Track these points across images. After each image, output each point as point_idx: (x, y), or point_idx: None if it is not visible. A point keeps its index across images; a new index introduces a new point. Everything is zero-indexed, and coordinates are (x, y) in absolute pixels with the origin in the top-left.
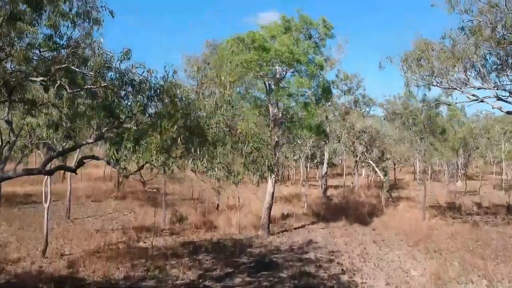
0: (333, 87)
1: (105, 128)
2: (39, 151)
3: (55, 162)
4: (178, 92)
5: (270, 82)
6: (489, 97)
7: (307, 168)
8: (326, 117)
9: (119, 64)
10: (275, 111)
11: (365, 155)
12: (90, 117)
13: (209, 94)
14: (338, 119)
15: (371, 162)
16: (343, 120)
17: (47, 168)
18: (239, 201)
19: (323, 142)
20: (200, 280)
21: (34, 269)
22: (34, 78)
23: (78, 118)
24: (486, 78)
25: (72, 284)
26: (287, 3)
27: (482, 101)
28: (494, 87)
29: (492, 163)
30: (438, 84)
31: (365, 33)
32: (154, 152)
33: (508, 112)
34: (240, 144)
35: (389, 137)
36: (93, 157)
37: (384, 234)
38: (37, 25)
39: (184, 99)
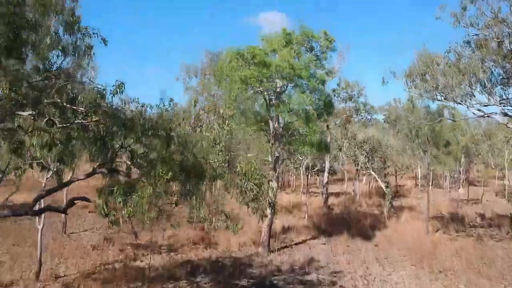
0: (334, 95)
1: (98, 163)
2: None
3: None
4: (174, 125)
5: (270, 96)
6: (496, 113)
7: (307, 176)
8: (327, 126)
9: (112, 98)
10: (276, 125)
11: (367, 165)
12: (82, 148)
13: (206, 127)
14: (339, 125)
15: (373, 173)
16: (344, 129)
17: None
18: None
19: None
20: None
21: None
22: (21, 112)
23: (71, 146)
24: (492, 93)
25: None
26: (288, 4)
27: (488, 116)
28: (500, 103)
29: (493, 166)
30: (443, 98)
31: (367, 37)
32: (146, 207)
33: None
34: (239, 181)
35: (391, 148)
36: (84, 199)
37: (387, 251)
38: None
39: (179, 136)
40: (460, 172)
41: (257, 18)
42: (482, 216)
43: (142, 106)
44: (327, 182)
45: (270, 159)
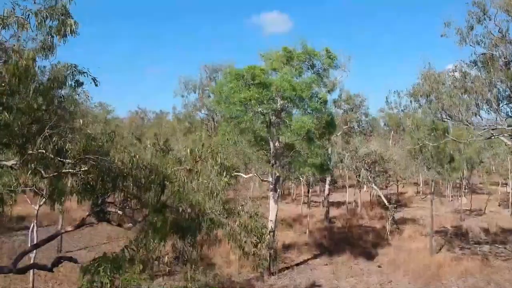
0: (335, 107)
1: (87, 214)
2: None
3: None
4: (169, 171)
5: (270, 117)
6: (503, 135)
7: (308, 186)
8: (328, 139)
9: (104, 142)
10: (276, 144)
11: (369, 179)
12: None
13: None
14: (341, 136)
15: (375, 187)
16: (346, 142)
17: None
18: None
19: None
20: None
21: None
22: (4, 162)
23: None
24: (500, 113)
25: None
26: (289, 4)
27: (495, 137)
28: (508, 126)
29: (494, 170)
30: (448, 119)
31: (367, 38)
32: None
33: None
34: (239, 235)
35: (394, 162)
36: (71, 259)
37: (391, 274)
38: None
39: (175, 186)
40: (462, 180)
41: (259, 18)
42: (487, 231)
43: (134, 157)
44: (328, 194)
45: (270, 180)
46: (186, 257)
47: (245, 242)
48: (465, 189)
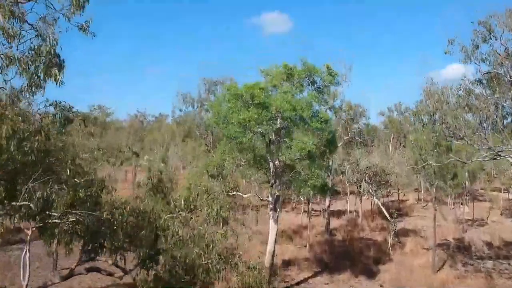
0: (336, 116)
1: (75, 264)
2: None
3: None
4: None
5: (270, 136)
6: (509, 156)
7: (308, 202)
8: (328, 158)
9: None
10: (276, 162)
11: (371, 192)
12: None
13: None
14: (342, 147)
15: (376, 200)
16: (347, 154)
17: None
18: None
19: (326, 174)
20: None
21: None
22: None
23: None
24: (505, 134)
25: None
26: (291, 5)
27: (500, 157)
28: None
29: (495, 175)
30: (452, 137)
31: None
32: None
33: None
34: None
35: (396, 175)
36: None
37: None
38: None
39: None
40: (464, 188)
41: (259, 19)
42: (490, 245)
43: (125, 208)
44: (328, 206)
45: (270, 199)
46: None
47: None
48: (466, 195)
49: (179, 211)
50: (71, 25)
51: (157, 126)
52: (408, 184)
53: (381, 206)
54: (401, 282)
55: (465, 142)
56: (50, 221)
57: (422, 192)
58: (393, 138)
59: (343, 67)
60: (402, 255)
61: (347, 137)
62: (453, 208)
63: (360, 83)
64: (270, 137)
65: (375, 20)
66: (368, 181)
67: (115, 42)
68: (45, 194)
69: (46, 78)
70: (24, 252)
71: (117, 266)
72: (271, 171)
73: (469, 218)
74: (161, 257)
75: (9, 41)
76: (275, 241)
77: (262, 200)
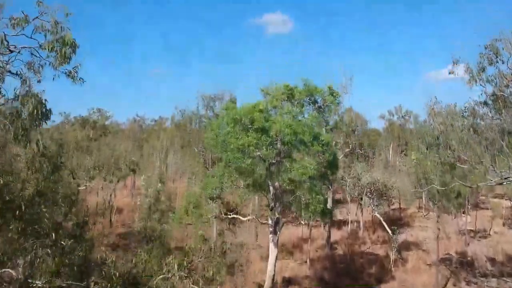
0: (337, 128)
1: None
2: None
3: None
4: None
5: (271, 161)
6: None
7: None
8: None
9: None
10: (276, 184)
11: (373, 207)
12: None
13: None
14: (342, 159)
15: (378, 215)
16: (348, 167)
17: None
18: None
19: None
20: None
21: None
22: None
23: None
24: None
25: None
26: (292, 5)
27: (508, 182)
28: None
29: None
30: (459, 162)
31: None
32: None
33: None
34: None
35: (398, 190)
36: None
37: None
38: None
39: None
40: (466, 199)
41: (261, 19)
42: (493, 261)
43: (114, 275)
44: (329, 229)
45: (270, 222)
46: None
47: None
48: (468, 204)
49: (173, 274)
50: (58, 72)
51: (157, 129)
52: (411, 200)
53: (383, 221)
54: None
55: (471, 167)
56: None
57: (424, 200)
58: (393, 143)
59: (343, 77)
60: (405, 272)
61: (348, 149)
62: (455, 218)
63: (360, 84)
64: (271, 161)
65: (375, 20)
66: (370, 195)
67: (114, 42)
68: (30, 259)
69: (32, 126)
70: None
71: None
72: (271, 193)
73: (471, 229)
74: None
75: None
76: (275, 263)
77: (262, 223)
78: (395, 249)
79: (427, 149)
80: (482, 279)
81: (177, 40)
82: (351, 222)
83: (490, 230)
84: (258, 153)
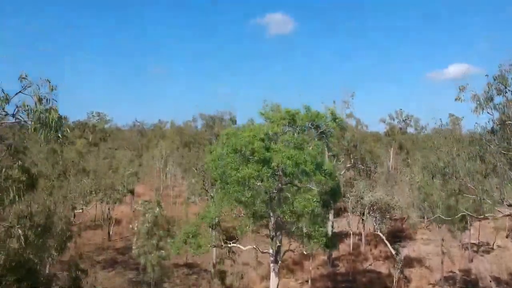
0: (339, 142)
1: None
2: None
3: None
4: None
5: (272, 192)
6: None
7: None
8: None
9: None
10: (277, 212)
11: (375, 228)
12: None
13: None
14: (343, 175)
15: (381, 234)
16: (350, 185)
17: None
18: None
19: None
20: None
21: None
22: None
23: None
24: None
25: None
26: (292, 6)
27: None
28: None
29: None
30: (466, 192)
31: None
32: None
33: None
34: None
35: (400, 209)
36: None
37: None
38: None
39: None
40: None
41: (264, 19)
42: (497, 280)
43: None
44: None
45: (271, 251)
46: None
47: None
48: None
49: None
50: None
51: (156, 132)
52: (414, 222)
53: (385, 240)
54: None
55: (478, 200)
56: None
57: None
58: (394, 148)
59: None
60: None
61: (349, 164)
62: (457, 230)
63: (360, 85)
64: (272, 192)
65: (375, 20)
66: (372, 214)
67: (114, 42)
68: None
69: None
70: None
71: None
72: (272, 223)
73: (474, 242)
74: None
75: None
76: None
77: (262, 252)
78: (398, 270)
79: (432, 178)
80: None
81: (178, 40)
82: (353, 234)
83: (493, 244)
84: (259, 183)
